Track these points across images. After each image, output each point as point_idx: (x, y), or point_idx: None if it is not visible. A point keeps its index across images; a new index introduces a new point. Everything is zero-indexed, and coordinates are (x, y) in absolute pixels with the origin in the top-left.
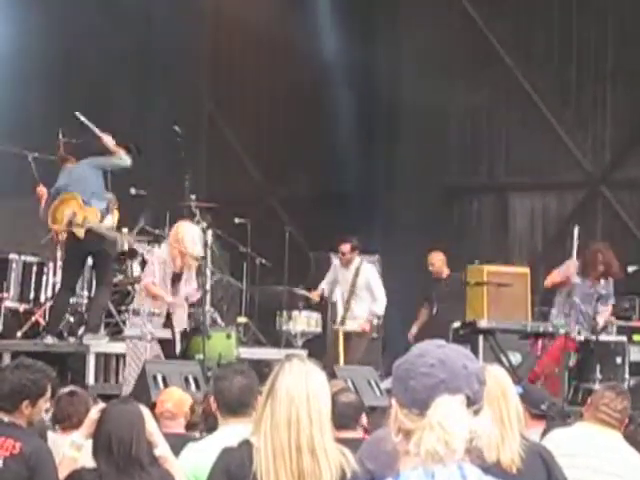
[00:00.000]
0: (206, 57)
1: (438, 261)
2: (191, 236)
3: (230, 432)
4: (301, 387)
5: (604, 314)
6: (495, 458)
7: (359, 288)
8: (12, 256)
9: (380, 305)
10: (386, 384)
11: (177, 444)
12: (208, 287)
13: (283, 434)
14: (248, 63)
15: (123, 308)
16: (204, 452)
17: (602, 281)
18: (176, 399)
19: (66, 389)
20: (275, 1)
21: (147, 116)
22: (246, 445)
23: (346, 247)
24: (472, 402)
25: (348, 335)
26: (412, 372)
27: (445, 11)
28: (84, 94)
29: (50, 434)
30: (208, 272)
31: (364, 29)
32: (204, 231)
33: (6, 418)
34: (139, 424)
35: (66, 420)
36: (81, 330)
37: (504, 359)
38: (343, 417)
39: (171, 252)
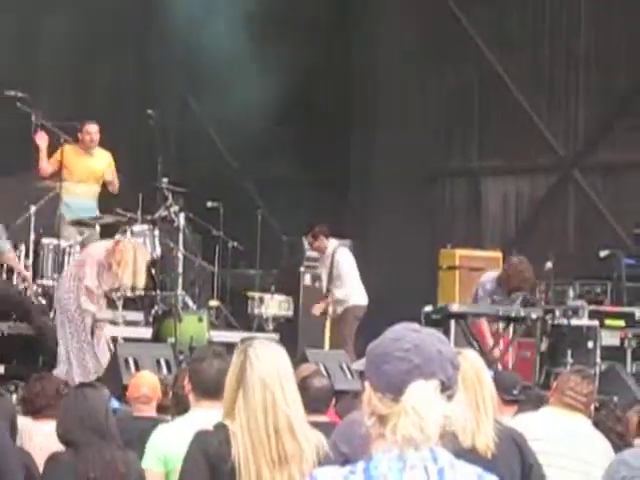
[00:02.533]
0: (180, 38)
1: None
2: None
3: (203, 415)
4: (273, 371)
5: None
6: (470, 443)
7: (336, 273)
8: None
9: (342, 290)
10: (358, 366)
11: (150, 427)
12: (180, 270)
13: (260, 419)
14: (223, 43)
15: None
16: (176, 434)
17: None
18: (151, 383)
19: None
20: None
21: (119, 98)
22: (222, 429)
23: (309, 238)
24: (446, 387)
25: (333, 319)
26: (387, 356)
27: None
28: (55, 76)
29: (21, 419)
30: (180, 255)
31: (341, 14)
32: (176, 214)
33: None
34: (109, 407)
35: (32, 404)
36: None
37: (475, 344)
38: (316, 401)
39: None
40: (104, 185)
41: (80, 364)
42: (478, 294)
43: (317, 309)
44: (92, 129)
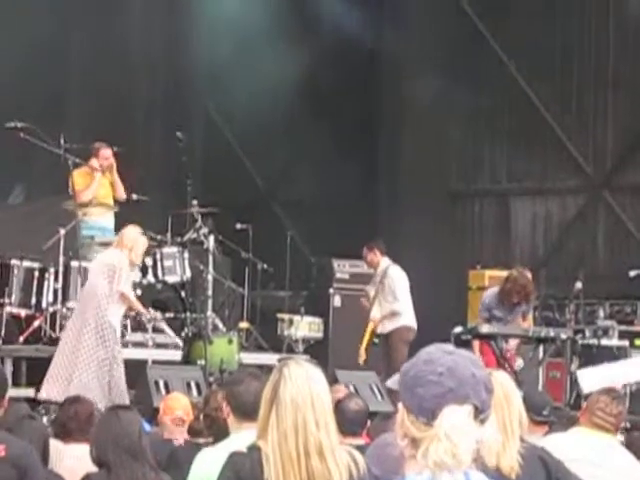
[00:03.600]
0: (205, 59)
1: None
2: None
3: (245, 437)
4: (305, 392)
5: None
6: (495, 463)
7: (384, 291)
8: (14, 262)
9: (395, 305)
10: (391, 383)
11: (181, 451)
12: (210, 292)
13: (291, 440)
14: (249, 65)
15: None
16: (220, 458)
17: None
18: (185, 406)
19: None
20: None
21: (147, 120)
22: (255, 451)
23: (364, 250)
24: (480, 411)
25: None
26: (420, 380)
27: (450, 18)
28: (83, 100)
29: (52, 442)
30: (210, 277)
31: (370, 34)
32: (205, 237)
33: None
34: (142, 428)
35: (64, 427)
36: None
37: (505, 364)
38: (352, 424)
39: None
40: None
41: (111, 385)
42: (479, 309)
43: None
44: (108, 153)
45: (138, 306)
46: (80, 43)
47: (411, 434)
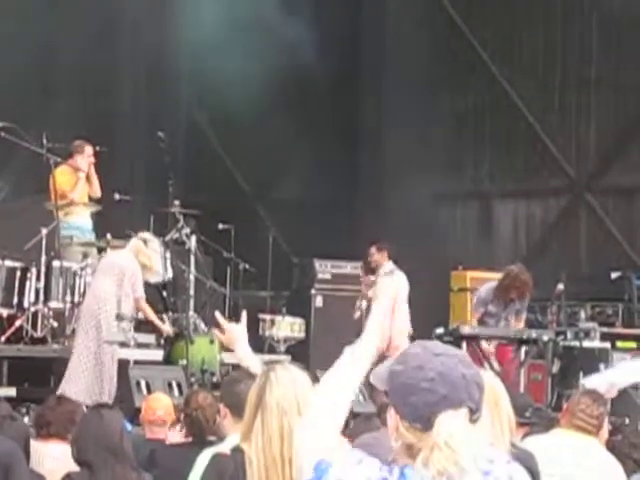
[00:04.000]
0: (189, 60)
1: None
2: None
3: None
4: (291, 397)
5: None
6: None
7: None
8: None
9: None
10: (374, 379)
11: (169, 453)
12: (192, 292)
13: (275, 446)
14: (231, 66)
15: None
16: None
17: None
18: (166, 406)
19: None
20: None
21: (130, 121)
22: (239, 453)
23: (373, 248)
24: (473, 412)
25: None
26: (412, 387)
27: (431, 19)
28: (66, 99)
29: (33, 442)
30: (192, 277)
31: (349, 36)
32: (188, 237)
33: None
34: (124, 428)
35: (45, 427)
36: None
37: (487, 365)
38: None
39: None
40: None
41: (91, 384)
42: (474, 303)
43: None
44: (91, 151)
45: (154, 318)
46: (64, 42)
47: (407, 440)
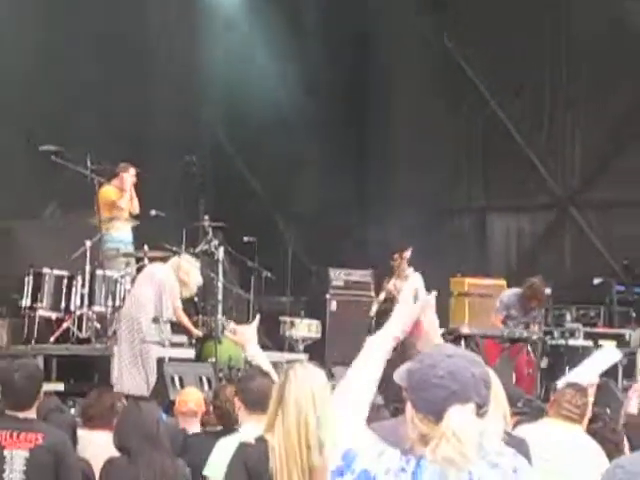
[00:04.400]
0: (214, 87)
1: None
2: (195, 275)
3: (256, 427)
4: (307, 393)
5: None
6: None
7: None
8: (45, 270)
9: None
10: (395, 377)
11: (200, 441)
12: (220, 298)
13: (294, 436)
14: (252, 93)
15: None
16: (230, 447)
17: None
18: (197, 399)
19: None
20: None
21: (165, 143)
22: (262, 442)
23: (401, 256)
24: (480, 406)
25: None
26: (425, 383)
27: (430, 51)
28: (106, 123)
29: (79, 431)
30: (220, 285)
31: (357, 69)
32: (216, 248)
33: (21, 415)
34: (160, 418)
35: (88, 417)
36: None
37: (484, 362)
38: None
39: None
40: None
41: (133, 378)
42: (496, 307)
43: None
44: (134, 172)
45: (187, 324)
46: (103, 70)
47: (420, 430)
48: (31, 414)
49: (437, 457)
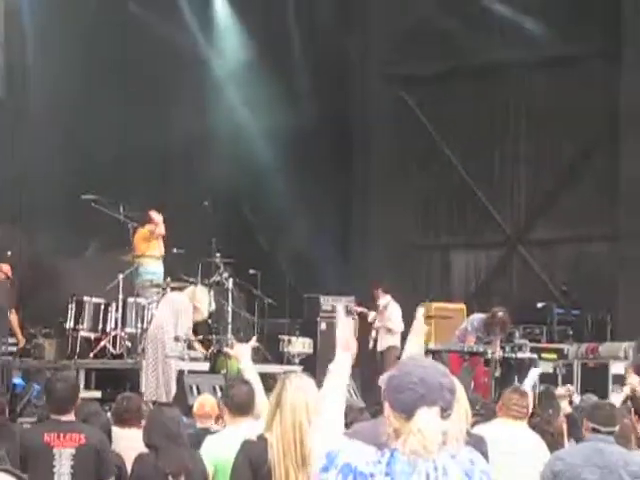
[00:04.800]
0: (221, 142)
1: None
2: (206, 303)
3: (240, 427)
4: (301, 399)
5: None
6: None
7: (383, 318)
8: (85, 299)
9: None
10: (380, 382)
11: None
12: (229, 320)
13: (289, 435)
14: (253, 150)
15: None
16: (221, 443)
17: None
18: (211, 404)
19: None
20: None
21: (185, 192)
22: (262, 440)
23: (380, 290)
24: (445, 410)
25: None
26: (401, 387)
27: (403, 119)
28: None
29: (113, 428)
30: (229, 309)
31: (339, 123)
32: (226, 279)
33: (63, 418)
34: (181, 420)
35: (119, 417)
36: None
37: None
38: None
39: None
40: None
41: (158, 387)
42: (467, 329)
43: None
44: (161, 218)
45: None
46: (125, 127)
47: (394, 426)
48: (71, 417)
49: (406, 449)
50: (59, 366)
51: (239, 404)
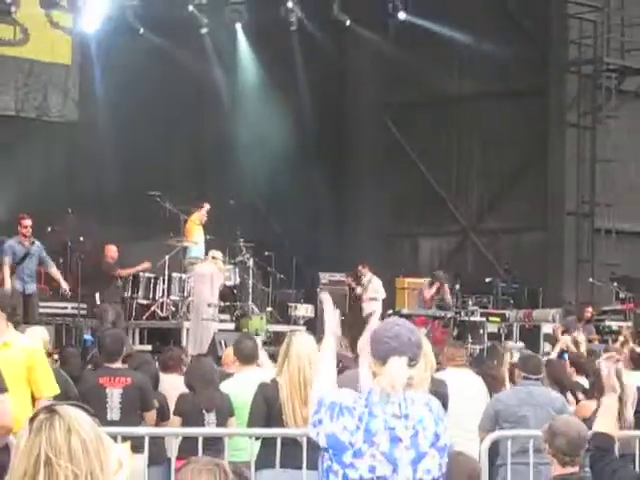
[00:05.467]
0: (240, 150)
1: None
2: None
3: (247, 374)
4: (304, 350)
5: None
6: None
7: (367, 290)
8: (140, 273)
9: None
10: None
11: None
12: (250, 291)
13: (295, 378)
14: (264, 159)
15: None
16: (234, 385)
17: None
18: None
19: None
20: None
21: (217, 189)
22: (275, 382)
23: (360, 266)
24: (412, 359)
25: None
26: (379, 339)
27: (375, 130)
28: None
29: (160, 374)
30: (250, 282)
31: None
32: (247, 259)
33: (113, 365)
34: (213, 368)
35: (167, 365)
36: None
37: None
38: None
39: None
40: None
41: (197, 342)
42: (423, 287)
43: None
44: (206, 209)
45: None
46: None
47: (373, 369)
48: (119, 364)
49: (379, 387)
50: (120, 327)
51: (246, 355)
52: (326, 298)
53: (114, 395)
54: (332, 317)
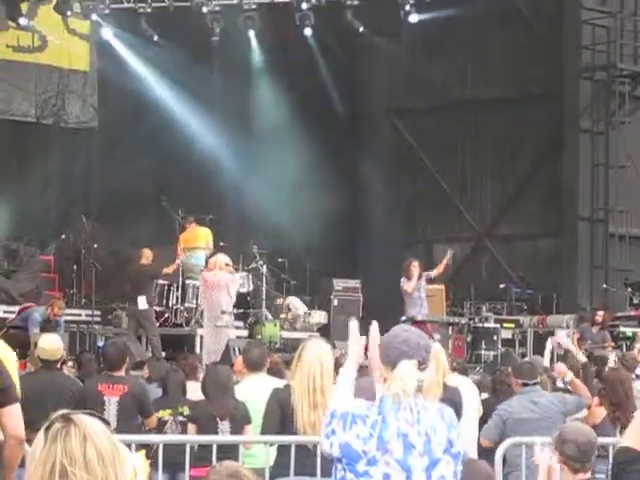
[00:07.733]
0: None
1: None
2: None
3: (255, 380)
4: (316, 357)
5: None
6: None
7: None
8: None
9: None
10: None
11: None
12: (263, 297)
13: (305, 383)
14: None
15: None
16: (247, 392)
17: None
18: None
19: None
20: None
21: (228, 201)
22: (288, 387)
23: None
24: (421, 364)
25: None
26: (389, 345)
27: (388, 136)
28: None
29: None
30: (263, 289)
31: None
32: (261, 266)
33: (115, 374)
34: (229, 375)
35: (185, 371)
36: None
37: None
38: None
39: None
40: None
41: (212, 350)
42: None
43: None
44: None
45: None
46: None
47: (384, 375)
48: (120, 373)
49: (390, 392)
50: (132, 333)
51: (254, 362)
52: (353, 326)
53: (111, 402)
54: (357, 344)
